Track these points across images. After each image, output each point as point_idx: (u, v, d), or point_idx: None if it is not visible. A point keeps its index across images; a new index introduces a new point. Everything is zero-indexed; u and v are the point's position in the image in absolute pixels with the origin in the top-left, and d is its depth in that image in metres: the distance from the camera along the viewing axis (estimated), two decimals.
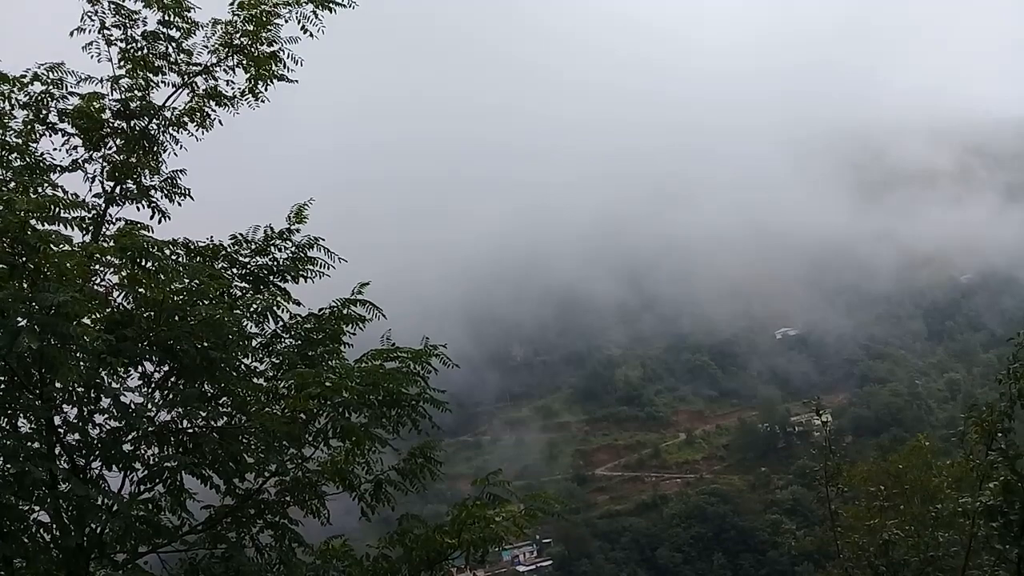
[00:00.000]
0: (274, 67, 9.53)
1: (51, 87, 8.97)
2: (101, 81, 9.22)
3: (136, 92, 9.36)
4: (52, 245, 7.22)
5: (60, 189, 8.58)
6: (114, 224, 8.97)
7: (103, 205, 9.07)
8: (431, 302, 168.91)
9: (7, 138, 8.60)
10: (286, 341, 8.61)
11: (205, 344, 7.55)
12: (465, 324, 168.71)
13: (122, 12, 9.25)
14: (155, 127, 9.44)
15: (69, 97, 9.06)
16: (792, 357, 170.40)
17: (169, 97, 9.53)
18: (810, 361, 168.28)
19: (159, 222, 9.10)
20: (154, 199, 9.29)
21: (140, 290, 7.53)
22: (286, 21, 9.44)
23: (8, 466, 6.63)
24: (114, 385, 7.33)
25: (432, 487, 9.98)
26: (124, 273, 7.77)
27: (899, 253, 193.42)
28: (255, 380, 8.36)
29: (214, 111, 9.63)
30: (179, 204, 9.39)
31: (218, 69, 9.52)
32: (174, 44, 9.43)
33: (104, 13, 9.20)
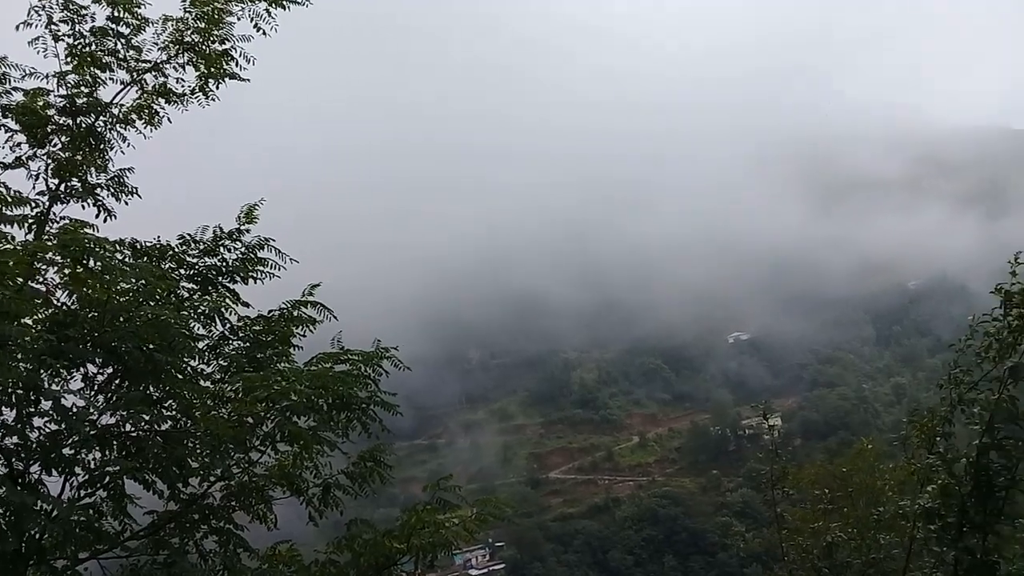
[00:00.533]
0: (226, 65, 9.41)
1: None
2: (47, 77, 9.04)
3: (83, 88, 9.17)
4: None
5: (2, 186, 8.40)
6: (58, 223, 8.78)
7: (47, 203, 8.87)
8: (392, 304, 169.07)
9: None
10: (234, 343, 8.49)
11: (150, 346, 7.42)
12: (424, 326, 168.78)
13: (70, 7, 9.07)
14: (102, 124, 9.27)
15: (13, 93, 8.86)
16: (744, 361, 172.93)
17: (117, 94, 9.36)
18: (762, 365, 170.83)
19: (104, 221, 8.93)
20: (100, 197, 9.13)
21: (84, 290, 7.38)
22: (239, 19, 9.34)
23: None
24: (54, 387, 7.16)
25: (385, 491, 9.92)
26: (67, 272, 7.61)
27: (852, 259, 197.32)
28: (202, 383, 8.25)
29: (163, 109, 9.49)
30: (126, 203, 9.24)
31: (168, 66, 9.39)
32: (123, 40, 9.27)
33: (52, 8, 9.02)
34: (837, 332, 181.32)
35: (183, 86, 9.47)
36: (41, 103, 8.93)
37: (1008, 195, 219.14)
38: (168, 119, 9.53)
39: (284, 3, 9.42)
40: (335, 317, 8.80)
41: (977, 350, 7.85)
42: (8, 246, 7.27)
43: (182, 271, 8.78)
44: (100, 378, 7.70)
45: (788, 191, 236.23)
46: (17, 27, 8.96)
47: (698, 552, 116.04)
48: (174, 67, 9.38)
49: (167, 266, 8.64)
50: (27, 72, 8.86)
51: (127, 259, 8.17)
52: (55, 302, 7.62)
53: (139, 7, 9.15)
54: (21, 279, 7.16)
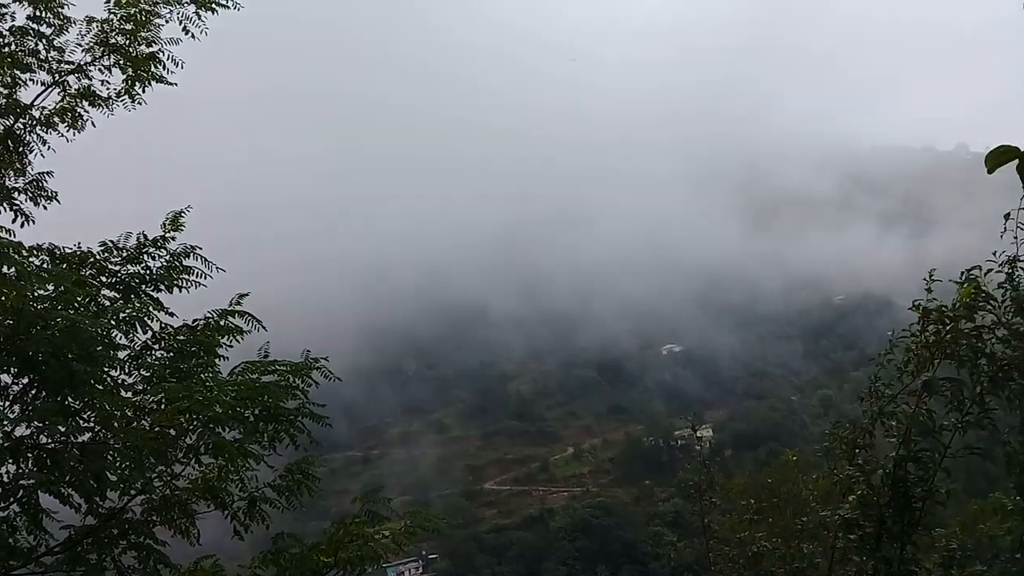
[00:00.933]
0: (153, 68, 9.20)
1: None
2: None
3: (2, 89, 8.88)
4: None
5: None
6: None
7: None
8: (330, 317, 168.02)
9: None
10: (157, 353, 8.27)
11: (68, 355, 7.17)
12: (362, 338, 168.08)
13: None
14: (22, 127, 8.97)
15: None
16: (678, 373, 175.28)
17: (38, 96, 9.08)
18: (696, 377, 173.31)
19: (22, 226, 8.64)
20: (17, 202, 8.82)
21: None
22: (166, 21, 9.14)
23: None
24: None
25: (317, 503, 9.77)
26: None
27: (784, 275, 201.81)
28: (123, 393, 8.00)
29: (87, 112, 9.23)
30: (45, 207, 8.94)
31: (92, 68, 9.13)
32: (45, 41, 9.00)
33: None
34: (768, 345, 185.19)
35: (108, 89, 9.23)
36: None
37: (930, 214, 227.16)
38: (92, 123, 9.28)
39: (212, 6, 9.24)
40: (263, 327, 8.65)
41: (898, 364, 8.06)
42: None
43: (103, 279, 8.51)
44: (15, 388, 7.44)
45: (723, 207, 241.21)
46: None
47: (631, 562, 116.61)
48: (99, 69, 9.14)
49: (87, 273, 8.37)
50: None
51: (45, 265, 7.91)
52: None
53: (62, 7, 8.90)
54: None
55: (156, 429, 7.53)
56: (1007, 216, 8.71)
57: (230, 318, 8.55)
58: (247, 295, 8.59)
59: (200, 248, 8.59)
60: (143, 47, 9.10)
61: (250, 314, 8.57)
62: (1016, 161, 4.14)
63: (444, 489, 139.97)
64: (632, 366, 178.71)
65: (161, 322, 8.21)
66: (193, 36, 9.20)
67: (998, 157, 4.23)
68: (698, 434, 14.08)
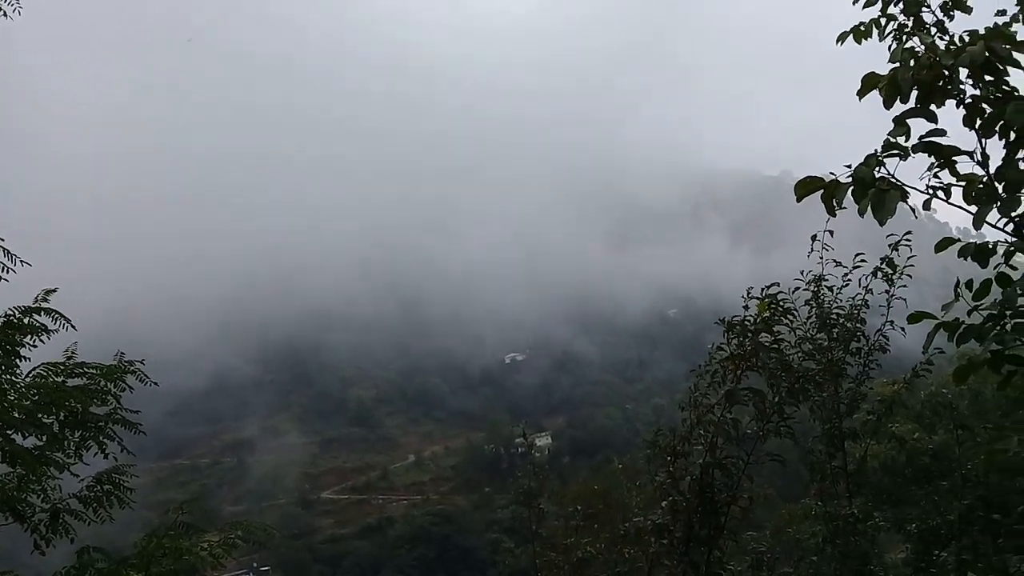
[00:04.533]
0: None
1: None
2: None
3: None
4: None
5: None
6: None
7: None
8: (185, 317, 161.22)
9: None
10: None
11: None
12: (208, 341, 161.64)
13: None
14: None
15: None
16: (521, 381, 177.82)
17: None
18: (541, 385, 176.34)
19: None
20: None
21: None
22: None
23: None
24: None
25: (140, 515, 9.34)
26: None
27: (636, 285, 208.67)
28: None
29: None
30: None
31: None
32: None
33: None
34: (610, 354, 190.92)
35: None
36: None
37: (769, 232, 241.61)
38: None
39: None
40: (73, 326, 8.10)
41: (715, 375, 8.48)
42: None
43: None
44: None
45: (584, 215, 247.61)
46: None
47: (468, 569, 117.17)
48: None
49: None
50: None
51: None
52: None
53: None
54: None
55: None
56: (813, 238, 9.43)
57: (35, 316, 7.97)
58: (55, 291, 8.04)
59: (2, 240, 7.93)
60: None
61: (58, 312, 8.01)
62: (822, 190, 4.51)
63: (279, 498, 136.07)
64: (478, 373, 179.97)
65: None
66: (5, 14, 8.57)
67: (805, 187, 4.58)
68: (538, 441, 14.36)
